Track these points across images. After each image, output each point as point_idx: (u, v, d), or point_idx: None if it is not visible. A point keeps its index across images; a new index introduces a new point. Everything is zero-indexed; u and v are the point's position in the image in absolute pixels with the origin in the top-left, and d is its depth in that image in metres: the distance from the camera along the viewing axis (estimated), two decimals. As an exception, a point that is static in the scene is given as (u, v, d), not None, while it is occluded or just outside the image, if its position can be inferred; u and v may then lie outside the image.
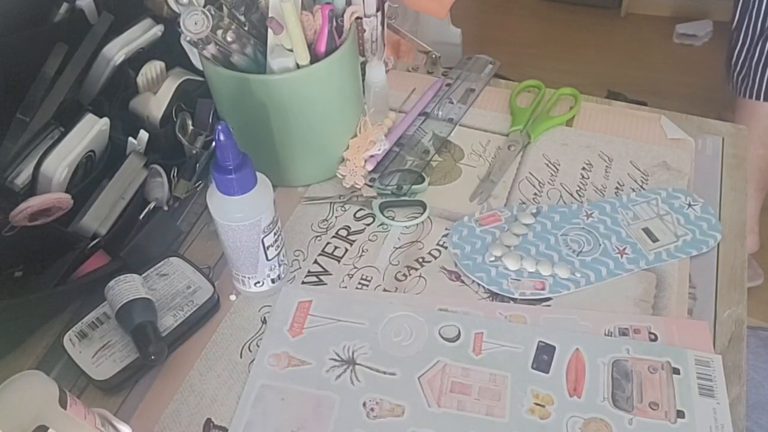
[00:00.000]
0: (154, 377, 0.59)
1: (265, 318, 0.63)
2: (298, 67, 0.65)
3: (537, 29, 2.51)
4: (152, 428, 0.56)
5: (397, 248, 0.68)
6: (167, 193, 0.70)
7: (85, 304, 0.63)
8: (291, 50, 0.64)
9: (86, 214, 0.63)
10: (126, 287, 0.59)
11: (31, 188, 0.61)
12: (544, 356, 0.58)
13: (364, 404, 0.56)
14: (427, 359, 0.59)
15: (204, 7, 0.59)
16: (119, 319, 0.59)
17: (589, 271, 0.64)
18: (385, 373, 0.58)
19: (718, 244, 0.67)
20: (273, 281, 0.63)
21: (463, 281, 0.65)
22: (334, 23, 0.66)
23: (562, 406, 0.55)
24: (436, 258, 0.67)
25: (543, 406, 0.55)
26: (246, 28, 0.65)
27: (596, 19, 2.52)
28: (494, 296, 0.63)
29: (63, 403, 0.44)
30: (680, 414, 0.54)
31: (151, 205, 0.69)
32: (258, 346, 0.60)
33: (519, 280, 0.64)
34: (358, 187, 0.73)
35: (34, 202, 0.58)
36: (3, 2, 0.66)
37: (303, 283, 0.66)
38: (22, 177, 0.62)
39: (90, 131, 0.64)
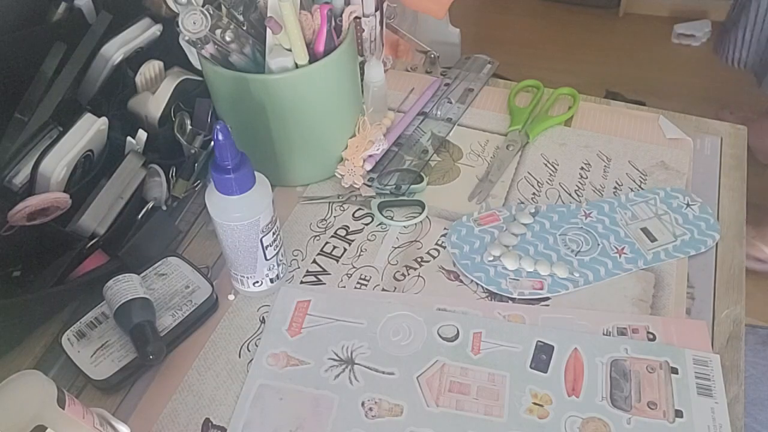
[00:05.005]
0: (152, 377, 0.59)
1: (263, 318, 0.63)
2: (296, 66, 0.65)
3: (535, 29, 2.51)
4: (150, 428, 0.56)
5: (395, 248, 0.68)
6: (166, 192, 0.70)
7: (83, 303, 0.63)
8: (290, 50, 0.64)
9: (84, 214, 0.63)
10: (124, 287, 0.59)
11: (30, 188, 0.61)
12: (542, 356, 0.58)
13: (363, 404, 0.56)
14: (425, 359, 0.59)
15: (202, 6, 0.59)
16: (118, 318, 0.59)
17: (587, 270, 0.64)
18: (383, 372, 0.58)
19: (717, 244, 0.67)
20: (271, 281, 0.63)
21: (461, 281, 0.65)
22: (333, 23, 0.66)
23: (560, 405, 0.55)
24: (434, 258, 0.67)
25: (541, 405, 0.55)
26: (245, 28, 0.65)
27: (595, 18, 2.52)
28: (493, 296, 0.64)
29: (61, 403, 0.44)
30: (678, 413, 0.54)
31: (150, 205, 0.69)
32: (256, 346, 0.60)
33: (517, 279, 0.64)
34: (357, 186, 0.73)
35: (33, 202, 0.58)
36: (1, 2, 0.65)
37: (301, 282, 0.66)
38: (21, 176, 0.62)
39: (88, 131, 0.64)
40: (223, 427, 0.55)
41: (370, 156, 0.74)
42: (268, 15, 0.63)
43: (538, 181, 0.74)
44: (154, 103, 0.71)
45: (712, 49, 1.79)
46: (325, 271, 0.67)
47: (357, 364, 0.59)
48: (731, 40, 1.60)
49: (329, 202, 0.73)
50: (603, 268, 0.64)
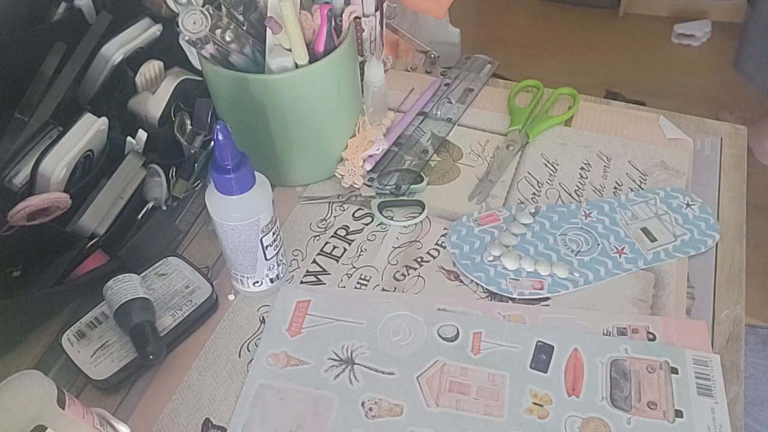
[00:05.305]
0: (152, 377, 0.59)
1: (263, 318, 0.63)
2: (296, 66, 0.65)
3: (535, 29, 2.51)
4: (150, 428, 0.56)
5: (395, 248, 0.68)
6: (166, 192, 0.70)
7: (83, 303, 0.63)
8: (289, 50, 0.64)
9: (84, 214, 0.63)
10: (124, 287, 0.59)
11: (30, 188, 0.61)
12: (542, 356, 0.58)
13: (363, 404, 0.56)
14: (425, 359, 0.59)
15: (202, 6, 0.59)
16: (118, 318, 0.59)
17: (587, 270, 0.64)
18: (383, 372, 0.58)
19: (717, 244, 0.67)
20: (271, 281, 0.63)
21: (461, 281, 0.65)
22: (333, 23, 0.66)
23: (560, 405, 0.55)
24: (434, 258, 0.67)
25: (541, 405, 0.55)
26: (245, 28, 0.65)
27: (595, 18, 2.52)
28: (493, 296, 0.64)
29: (61, 403, 0.44)
30: (678, 413, 0.54)
31: (150, 205, 0.69)
32: (256, 346, 0.60)
33: (517, 279, 0.64)
34: (357, 186, 0.73)
35: (33, 202, 0.58)
36: (1, 2, 0.65)
37: (301, 282, 0.66)
38: (21, 176, 0.62)
39: (88, 131, 0.64)
40: (223, 427, 0.55)
41: (370, 156, 0.74)
42: (268, 15, 0.63)
43: (538, 181, 0.74)
44: (154, 103, 0.71)
45: (732, 62, 1.82)
46: (325, 271, 0.67)
47: (357, 364, 0.59)
48: (753, 59, 1.62)
49: (329, 202, 0.73)
50: (603, 268, 0.64)
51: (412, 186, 0.73)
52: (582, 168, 0.76)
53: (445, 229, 0.70)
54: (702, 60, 2.30)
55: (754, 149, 1.86)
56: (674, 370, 0.57)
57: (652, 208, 0.69)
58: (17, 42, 0.65)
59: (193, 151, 0.72)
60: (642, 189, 0.72)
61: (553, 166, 0.76)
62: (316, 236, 0.70)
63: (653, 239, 0.67)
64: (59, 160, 0.62)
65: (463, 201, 0.73)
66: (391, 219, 0.71)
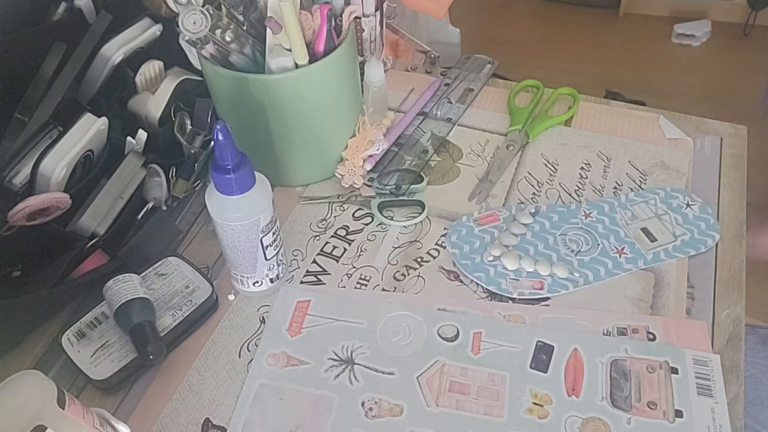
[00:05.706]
0: (152, 377, 0.59)
1: (263, 318, 0.63)
2: (296, 66, 0.65)
3: (536, 29, 2.52)
4: (150, 428, 0.56)
5: (395, 248, 0.68)
6: (166, 192, 0.70)
7: (83, 303, 0.63)
8: (289, 50, 0.64)
9: (84, 214, 0.63)
10: (124, 287, 0.59)
11: (30, 188, 0.61)
12: (542, 356, 0.58)
13: (363, 404, 0.56)
14: (425, 359, 0.59)
15: (202, 6, 0.59)
16: (117, 318, 0.59)
17: (587, 270, 0.64)
18: (383, 372, 0.58)
19: (717, 244, 0.67)
20: (271, 281, 0.63)
21: (461, 281, 0.65)
22: (333, 23, 0.66)
23: (560, 405, 0.55)
24: (434, 258, 0.67)
25: (541, 405, 0.55)
26: (245, 28, 0.65)
27: (595, 18, 2.52)
28: (493, 296, 0.64)
29: (61, 403, 0.44)
30: (678, 413, 0.54)
31: (150, 205, 0.69)
32: (256, 346, 0.60)
33: (517, 279, 0.64)
34: (357, 186, 0.73)
35: (33, 202, 0.58)
36: (1, 2, 0.66)
37: (301, 282, 0.66)
38: (21, 176, 0.62)
39: (88, 131, 0.64)
40: (223, 427, 0.55)
41: (370, 156, 0.74)
42: (268, 15, 0.63)
43: (538, 181, 0.74)
44: (154, 103, 0.71)
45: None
46: (325, 271, 0.67)
47: (357, 364, 0.59)
48: None
49: (329, 202, 0.73)
50: (603, 268, 0.64)
51: (412, 186, 0.73)
52: (582, 168, 0.76)
53: (445, 229, 0.70)
54: (702, 60, 2.31)
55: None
56: (674, 370, 0.57)
57: (652, 208, 0.69)
58: (17, 42, 0.65)
59: (193, 151, 0.72)
60: (642, 189, 0.72)
61: (553, 166, 0.76)
62: (316, 236, 0.70)
63: (653, 239, 0.67)
64: (59, 160, 0.62)
65: (463, 201, 0.73)
66: (391, 219, 0.71)
